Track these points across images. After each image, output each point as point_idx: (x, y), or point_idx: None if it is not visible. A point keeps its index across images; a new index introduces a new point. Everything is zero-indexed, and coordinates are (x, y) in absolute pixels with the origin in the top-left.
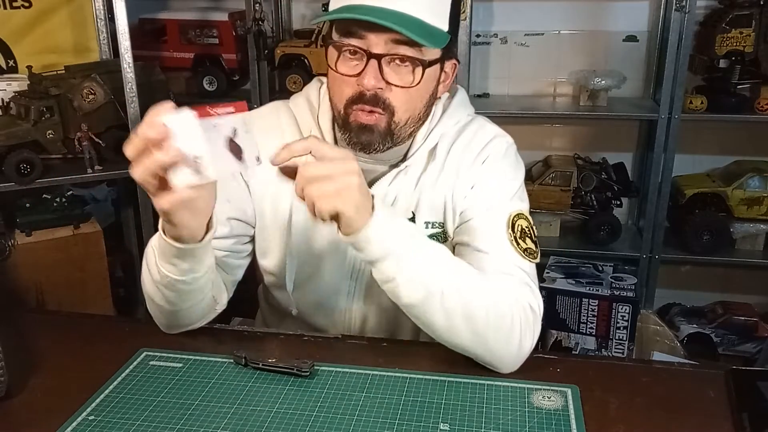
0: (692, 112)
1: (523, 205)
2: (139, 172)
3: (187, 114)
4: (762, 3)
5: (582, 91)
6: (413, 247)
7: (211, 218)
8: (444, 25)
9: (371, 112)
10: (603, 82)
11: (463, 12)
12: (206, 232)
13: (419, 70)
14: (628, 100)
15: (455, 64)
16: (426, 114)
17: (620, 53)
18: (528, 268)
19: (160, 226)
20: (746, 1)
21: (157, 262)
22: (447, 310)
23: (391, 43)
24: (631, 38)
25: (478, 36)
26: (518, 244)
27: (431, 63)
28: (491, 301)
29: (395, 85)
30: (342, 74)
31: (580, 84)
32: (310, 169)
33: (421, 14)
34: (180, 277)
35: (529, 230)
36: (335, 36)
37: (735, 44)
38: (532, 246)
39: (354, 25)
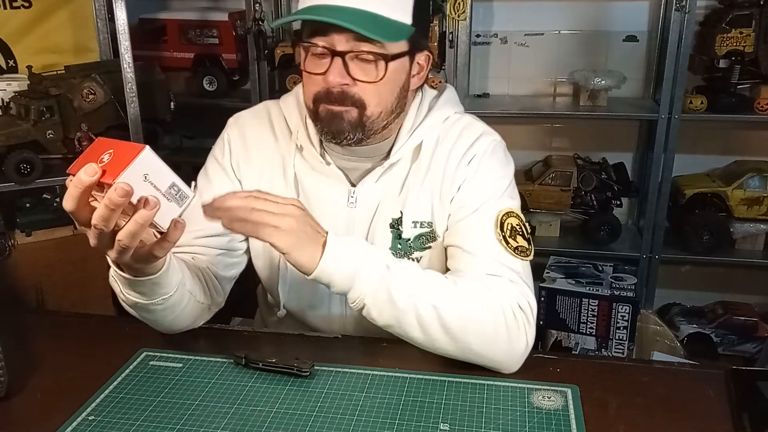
0: (692, 112)
1: (513, 203)
2: (127, 239)
3: (144, 154)
4: (762, 3)
5: (582, 91)
6: (376, 271)
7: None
8: (406, 19)
9: (340, 106)
10: (603, 82)
11: (463, 12)
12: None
13: (382, 64)
14: (628, 100)
15: (428, 56)
16: (400, 106)
17: (620, 53)
18: (519, 266)
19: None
20: (746, 1)
21: (122, 291)
22: (422, 325)
23: (353, 40)
24: (631, 38)
25: (478, 36)
26: (508, 243)
27: (395, 57)
28: (468, 308)
29: (361, 81)
30: (310, 73)
31: (580, 84)
32: (254, 202)
33: (379, 9)
34: (150, 301)
35: (520, 228)
36: (304, 36)
37: (735, 44)
38: (524, 244)
39: (319, 24)
